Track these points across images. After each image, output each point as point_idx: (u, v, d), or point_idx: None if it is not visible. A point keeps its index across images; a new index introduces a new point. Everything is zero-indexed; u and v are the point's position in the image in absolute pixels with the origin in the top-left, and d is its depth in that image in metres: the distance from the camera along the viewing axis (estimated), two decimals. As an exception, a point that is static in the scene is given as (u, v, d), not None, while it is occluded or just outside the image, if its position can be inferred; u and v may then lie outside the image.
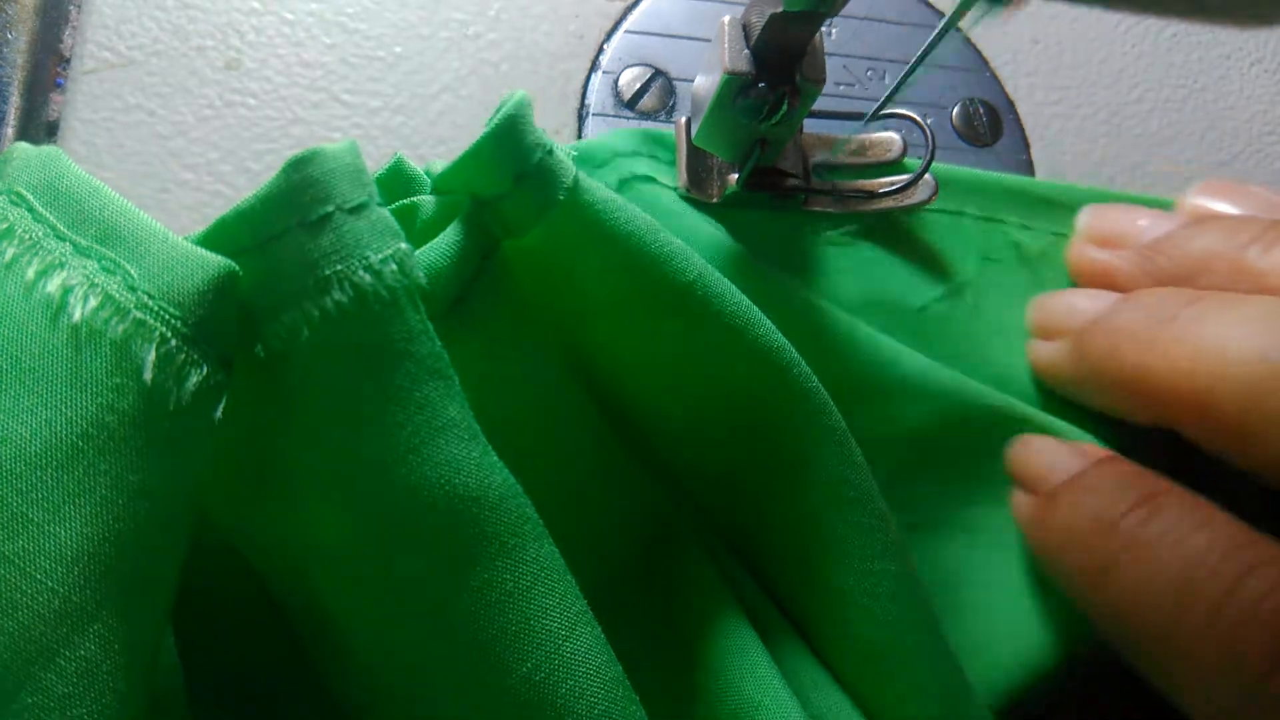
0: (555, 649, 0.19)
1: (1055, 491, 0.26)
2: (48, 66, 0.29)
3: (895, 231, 0.31)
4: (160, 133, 0.29)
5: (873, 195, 0.30)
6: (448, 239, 0.21)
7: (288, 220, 0.18)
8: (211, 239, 0.18)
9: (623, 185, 0.28)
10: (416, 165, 0.24)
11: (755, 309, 0.24)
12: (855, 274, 0.30)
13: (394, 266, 0.18)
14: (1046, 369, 0.30)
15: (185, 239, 0.18)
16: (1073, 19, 0.38)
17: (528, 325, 0.23)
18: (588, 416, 0.25)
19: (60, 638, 0.15)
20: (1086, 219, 0.32)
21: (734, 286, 0.24)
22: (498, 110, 0.21)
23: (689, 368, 0.24)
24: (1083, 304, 0.29)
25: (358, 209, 0.19)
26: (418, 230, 0.22)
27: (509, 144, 0.21)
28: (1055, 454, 0.27)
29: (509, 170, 0.21)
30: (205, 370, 0.17)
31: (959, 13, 0.23)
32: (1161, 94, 0.38)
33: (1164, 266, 0.28)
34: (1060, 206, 0.33)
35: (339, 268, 0.18)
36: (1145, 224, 0.30)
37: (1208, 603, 0.21)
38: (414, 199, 0.23)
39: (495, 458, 0.19)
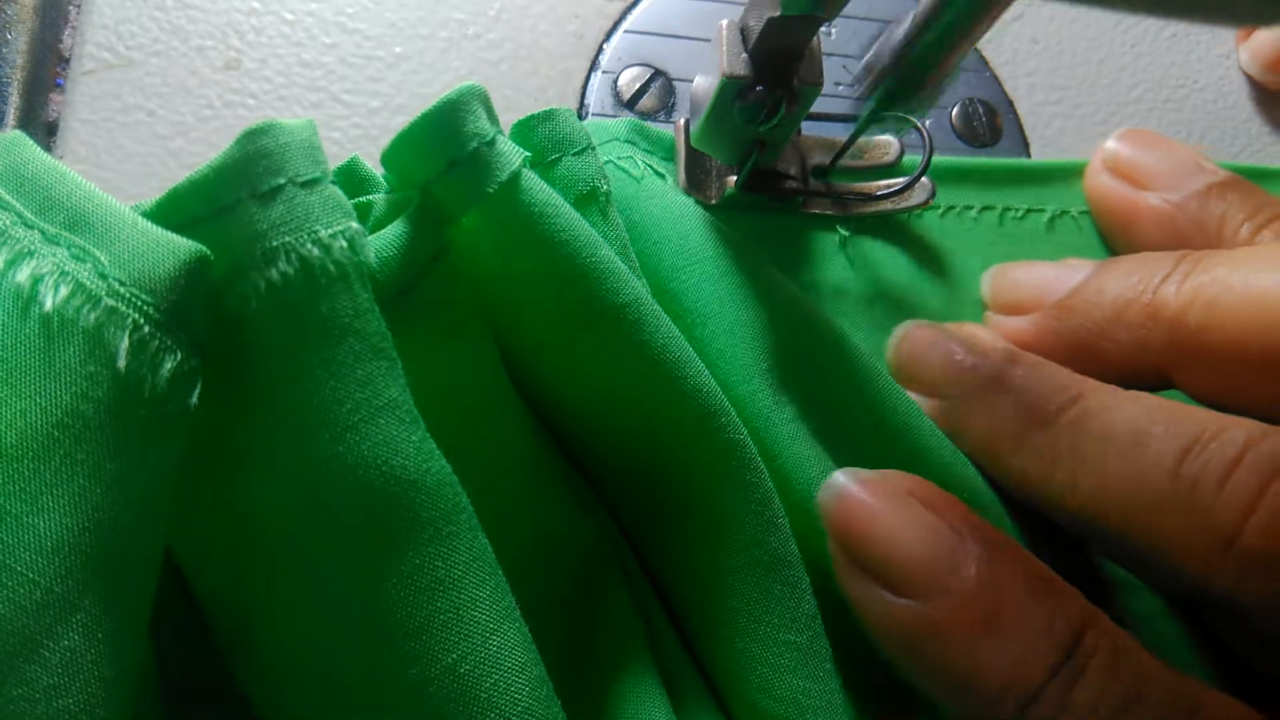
0: (482, 642, 0.18)
1: (941, 615, 0.21)
2: (47, 67, 0.29)
3: (893, 233, 0.31)
4: (160, 133, 0.29)
5: (870, 197, 0.30)
6: (395, 230, 0.21)
7: (240, 191, 0.18)
8: (165, 209, 0.18)
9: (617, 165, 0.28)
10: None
11: (688, 348, 0.23)
12: (853, 276, 0.30)
13: (343, 243, 0.18)
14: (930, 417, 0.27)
15: (136, 207, 0.18)
16: (1073, 19, 0.38)
17: (472, 330, 0.23)
18: (524, 429, 0.24)
19: (43, 629, 0.15)
20: (988, 286, 0.30)
21: (670, 321, 0.23)
22: None
23: (610, 392, 0.24)
24: (958, 366, 0.26)
25: (310, 183, 0.18)
26: (368, 228, 0.22)
27: (443, 129, 0.21)
28: (927, 538, 0.22)
29: (442, 155, 0.21)
30: (179, 356, 0.17)
31: (868, 119, 0.24)
32: (1161, 94, 0.38)
33: (1078, 326, 0.26)
34: (1060, 181, 0.33)
35: (287, 239, 0.18)
36: (1051, 279, 0.28)
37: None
38: (367, 198, 0.22)
39: (433, 444, 0.19)
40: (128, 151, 0.28)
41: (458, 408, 0.22)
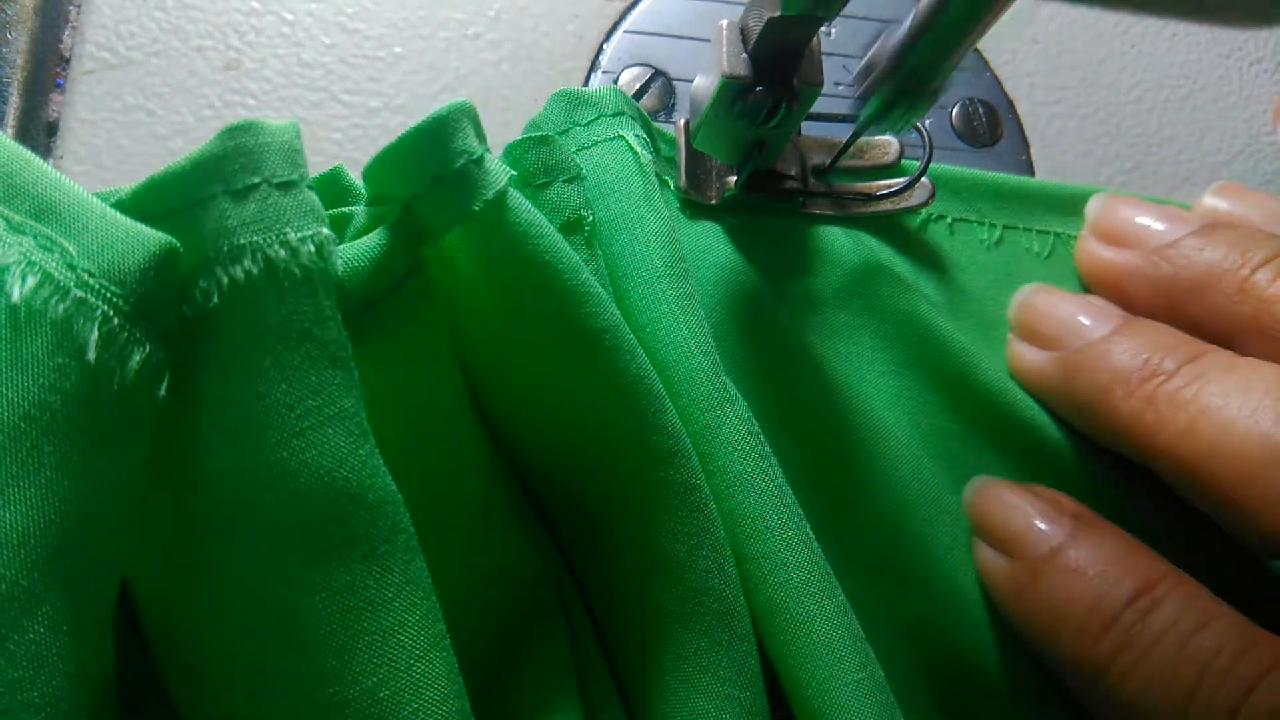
0: (407, 667, 0.18)
1: (1039, 565, 0.25)
2: (47, 67, 0.29)
3: (893, 234, 0.31)
4: (159, 133, 0.29)
5: (870, 198, 0.30)
6: (370, 242, 0.21)
7: (215, 185, 0.18)
8: (141, 197, 0.18)
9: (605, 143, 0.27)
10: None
11: (659, 385, 0.23)
12: (852, 277, 0.30)
13: (311, 248, 0.18)
14: (1028, 375, 0.29)
15: (114, 192, 0.18)
16: (1073, 19, 0.38)
17: (437, 351, 0.23)
18: (480, 456, 0.24)
19: (8, 622, 0.15)
20: (1096, 209, 0.31)
21: (645, 355, 0.23)
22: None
23: (575, 419, 0.23)
24: (1077, 321, 0.28)
25: (286, 185, 0.18)
26: (347, 239, 0.22)
27: (430, 145, 0.21)
28: (1030, 513, 0.26)
29: (428, 170, 0.21)
30: (147, 349, 0.17)
31: (868, 120, 0.24)
32: (1161, 94, 0.38)
33: (1169, 275, 0.28)
34: (1062, 208, 0.33)
35: (255, 239, 0.18)
36: (1157, 225, 0.29)
37: (1225, 706, 0.21)
38: (347, 209, 0.22)
39: (380, 461, 0.19)
40: (128, 151, 0.28)
41: (413, 428, 0.22)
